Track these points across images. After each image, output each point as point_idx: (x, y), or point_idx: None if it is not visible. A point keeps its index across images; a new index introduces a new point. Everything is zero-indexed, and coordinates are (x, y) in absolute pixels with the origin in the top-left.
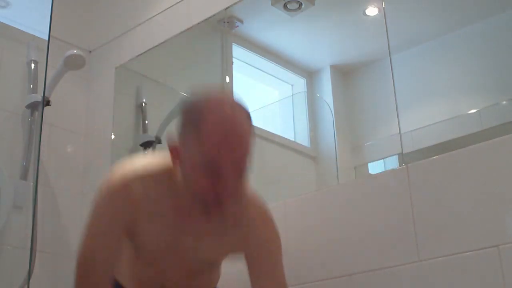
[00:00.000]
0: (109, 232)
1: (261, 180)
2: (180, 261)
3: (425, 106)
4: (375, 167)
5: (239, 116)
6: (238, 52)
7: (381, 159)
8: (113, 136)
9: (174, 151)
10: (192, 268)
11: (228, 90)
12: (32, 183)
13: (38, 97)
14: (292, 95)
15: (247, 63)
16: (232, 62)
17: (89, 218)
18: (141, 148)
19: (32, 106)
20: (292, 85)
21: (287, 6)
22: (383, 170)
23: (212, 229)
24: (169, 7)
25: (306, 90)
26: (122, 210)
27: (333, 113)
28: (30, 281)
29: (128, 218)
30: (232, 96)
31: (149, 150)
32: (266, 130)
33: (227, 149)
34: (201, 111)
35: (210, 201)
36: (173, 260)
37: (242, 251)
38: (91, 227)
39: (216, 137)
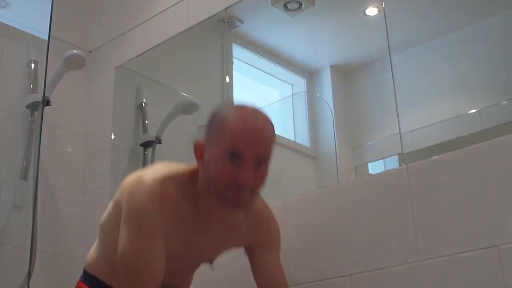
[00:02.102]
0: (157, 233)
1: None
2: (190, 260)
3: (425, 106)
4: (375, 167)
5: (261, 117)
6: (238, 52)
7: (381, 159)
8: (113, 136)
9: (198, 148)
10: (195, 266)
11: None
12: (32, 183)
13: (38, 97)
14: (292, 95)
15: (247, 63)
16: (232, 62)
17: (129, 223)
18: (141, 148)
19: (32, 106)
20: (292, 85)
21: (287, 6)
22: (383, 170)
23: (226, 226)
24: (169, 7)
25: (306, 90)
26: (163, 211)
27: (333, 113)
28: (30, 281)
29: (166, 219)
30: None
31: (149, 150)
32: None
33: (250, 140)
34: (227, 112)
35: (230, 189)
36: (184, 259)
37: (252, 242)
38: (137, 229)
39: (240, 129)
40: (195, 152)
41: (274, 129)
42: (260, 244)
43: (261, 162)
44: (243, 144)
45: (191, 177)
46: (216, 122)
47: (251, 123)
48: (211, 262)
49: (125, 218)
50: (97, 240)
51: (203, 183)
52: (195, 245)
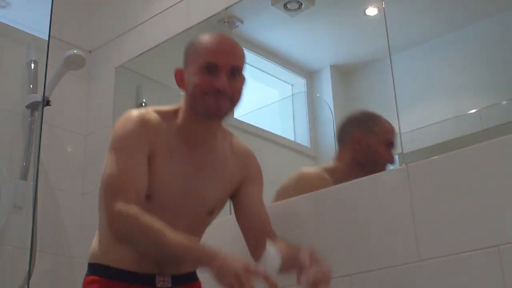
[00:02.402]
0: (139, 153)
1: None
2: (189, 209)
3: (425, 106)
4: None
5: (231, 38)
6: None
7: None
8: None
9: (178, 74)
10: (196, 221)
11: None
12: (32, 183)
13: (38, 97)
14: (292, 95)
15: (247, 63)
16: None
17: (112, 149)
18: None
19: (32, 106)
20: (292, 85)
21: (287, 6)
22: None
23: (217, 159)
24: (169, 7)
25: (306, 90)
26: (144, 134)
27: (333, 113)
28: (30, 281)
29: (149, 144)
30: None
31: None
32: (266, 130)
33: (222, 52)
34: (200, 37)
35: (209, 97)
36: (182, 208)
37: (240, 178)
38: (120, 151)
39: (213, 44)
40: (176, 79)
41: (242, 49)
42: (246, 179)
43: (235, 74)
44: (216, 56)
45: (176, 111)
46: (191, 48)
47: (223, 39)
48: (210, 213)
49: (109, 147)
50: (97, 231)
51: (187, 104)
52: (192, 183)
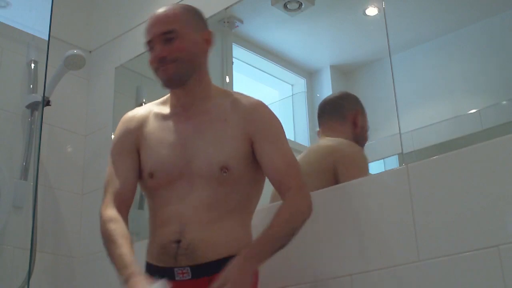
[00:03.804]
0: (121, 155)
1: None
2: (191, 169)
3: (425, 106)
4: (375, 167)
5: (168, 6)
6: (238, 52)
7: (381, 159)
8: (113, 136)
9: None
10: (207, 181)
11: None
12: (32, 183)
13: (38, 97)
14: (292, 95)
15: (247, 63)
16: (232, 62)
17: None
18: None
19: (32, 106)
20: (292, 85)
21: (287, 6)
22: (383, 170)
23: (209, 120)
24: None
25: (306, 90)
26: (126, 133)
27: None
28: (30, 281)
29: (133, 137)
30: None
31: None
32: None
33: (152, 26)
34: None
35: (157, 69)
36: (185, 171)
37: (247, 132)
38: (109, 159)
39: (146, 25)
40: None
41: (186, 10)
42: (255, 136)
43: (171, 39)
44: (148, 32)
45: (165, 99)
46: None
47: (153, 15)
48: (224, 170)
49: None
50: None
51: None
52: (188, 146)
